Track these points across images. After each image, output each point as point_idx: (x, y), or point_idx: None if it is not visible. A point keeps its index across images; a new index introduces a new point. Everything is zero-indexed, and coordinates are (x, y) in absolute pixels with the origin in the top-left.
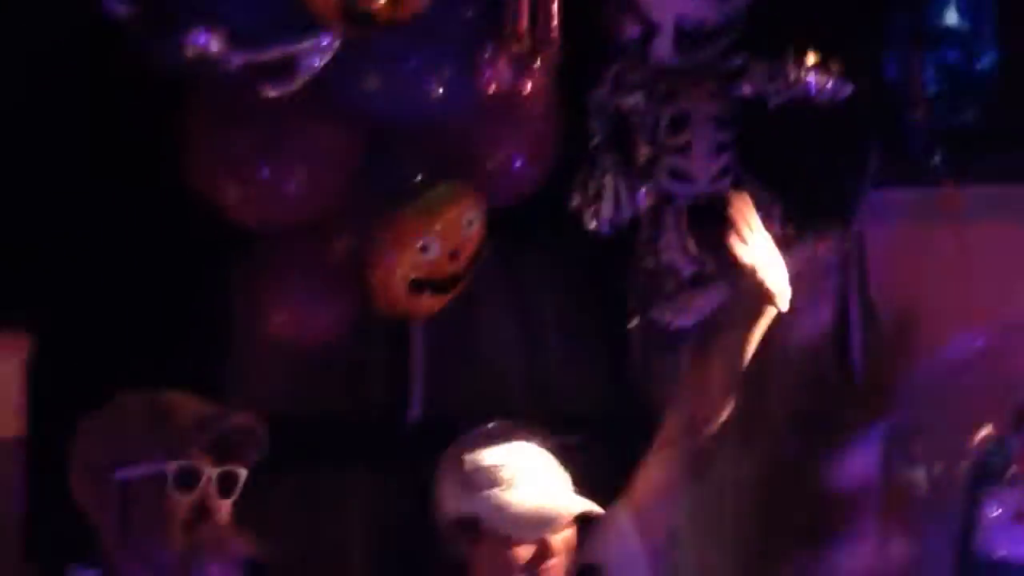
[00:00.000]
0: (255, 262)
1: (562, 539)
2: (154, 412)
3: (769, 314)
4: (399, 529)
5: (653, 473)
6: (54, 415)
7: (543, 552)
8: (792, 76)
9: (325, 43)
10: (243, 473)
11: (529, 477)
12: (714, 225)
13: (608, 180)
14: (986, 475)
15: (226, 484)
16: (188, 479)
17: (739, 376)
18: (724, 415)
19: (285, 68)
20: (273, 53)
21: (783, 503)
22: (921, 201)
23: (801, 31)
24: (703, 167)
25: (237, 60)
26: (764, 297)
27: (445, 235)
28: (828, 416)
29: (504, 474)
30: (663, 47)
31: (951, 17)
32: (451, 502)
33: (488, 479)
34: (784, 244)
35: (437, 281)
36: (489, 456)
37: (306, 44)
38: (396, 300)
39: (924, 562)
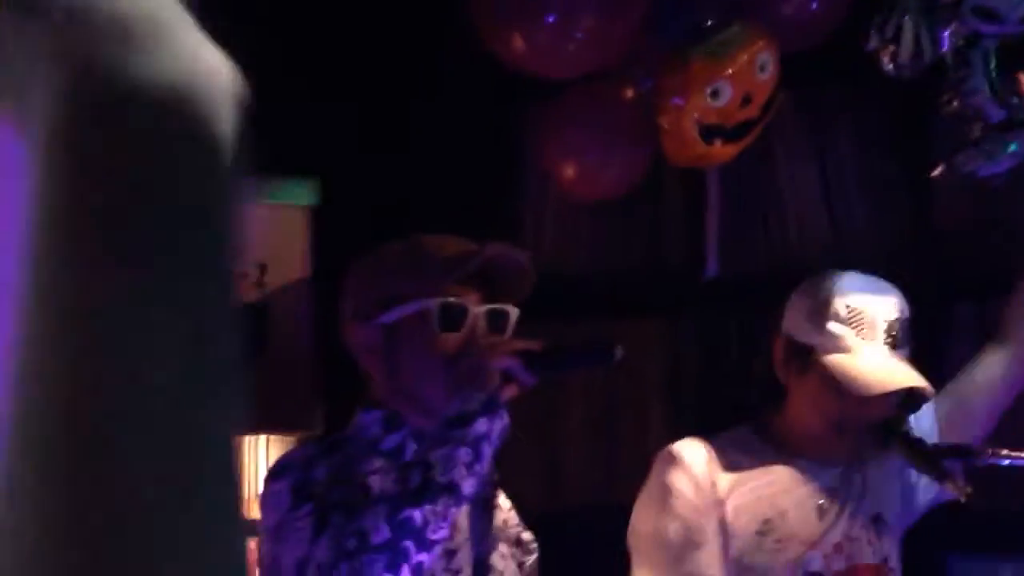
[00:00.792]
0: (545, 114)
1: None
2: (413, 252)
3: None
4: (693, 381)
5: None
6: (339, 261)
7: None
8: None
9: None
10: (513, 311)
11: (880, 335)
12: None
13: (907, 21)
14: None
15: (497, 322)
16: (453, 317)
17: None
18: None
19: None
20: None
21: None
22: None
23: None
24: (1012, 5)
25: None
26: None
27: (737, 80)
28: None
29: (858, 320)
30: None
31: None
32: (796, 325)
33: (841, 318)
34: None
35: (729, 128)
36: (853, 298)
37: None
38: (687, 148)
39: None
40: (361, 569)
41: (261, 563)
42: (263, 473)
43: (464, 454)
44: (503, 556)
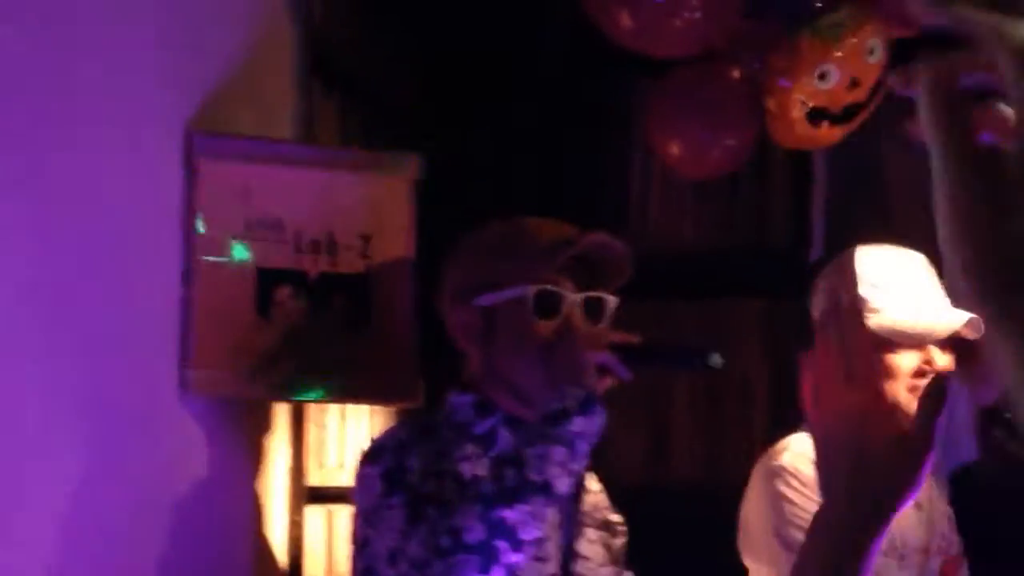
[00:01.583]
0: (652, 93)
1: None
2: (511, 236)
3: None
4: (795, 364)
5: None
6: (442, 235)
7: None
8: None
9: None
10: (611, 299)
11: (912, 288)
12: None
13: None
14: None
15: (594, 310)
16: (549, 304)
17: None
18: None
19: None
20: None
21: None
22: None
23: None
24: None
25: None
26: None
27: (845, 62)
28: None
29: (887, 276)
30: None
31: None
32: (824, 294)
33: (870, 276)
34: None
35: (836, 111)
36: (880, 255)
37: None
38: (793, 130)
39: None
40: (455, 568)
41: (354, 540)
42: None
43: (559, 453)
44: (591, 541)
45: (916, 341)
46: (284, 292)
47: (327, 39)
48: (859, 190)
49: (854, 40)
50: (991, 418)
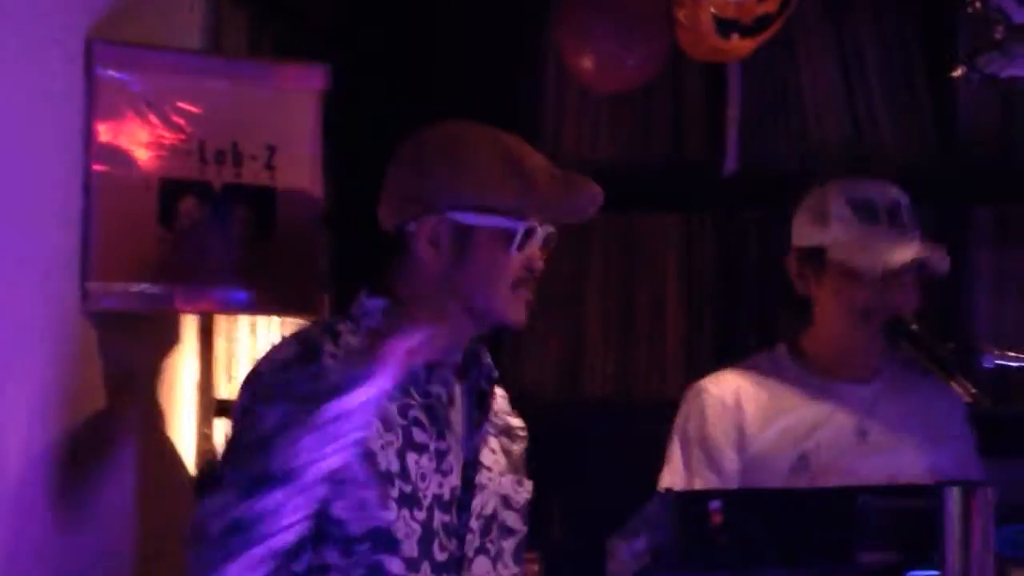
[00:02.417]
0: (564, 5)
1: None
2: (506, 157)
3: None
4: (710, 276)
5: None
6: (349, 146)
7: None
8: None
9: None
10: (553, 233)
11: (883, 218)
12: None
13: None
14: None
15: (552, 242)
16: (527, 238)
17: None
18: None
19: None
20: None
21: None
22: None
23: None
24: None
25: None
26: None
27: None
28: None
29: (859, 208)
30: None
31: None
32: (802, 234)
33: (843, 211)
34: None
35: (746, 22)
36: (850, 191)
37: None
38: (704, 42)
39: None
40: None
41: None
42: None
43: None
44: (493, 451)
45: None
46: (188, 203)
47: None
48: (773, 103)
49: None
50: (896, 330)
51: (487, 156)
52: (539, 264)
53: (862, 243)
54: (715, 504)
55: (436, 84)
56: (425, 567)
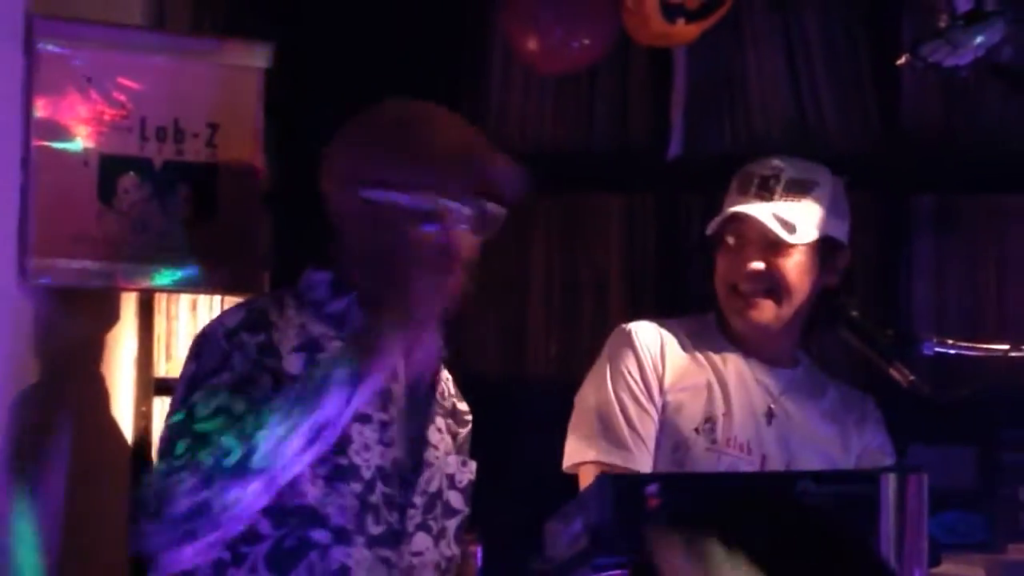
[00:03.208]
0: None
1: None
2: (420, 135)
3: None
4: (652, 258)
5: None
6: (292, 124)
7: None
8: None
9: None
10: (499, 212)
11: (752, 189)
12: None
13: None
14: None
15: (480, 223)
16: (442, 216)
17: None
18: None
19: None
20: None
21: None
22: None
23: None
24: None
25: None
26: None
27: None
28: None
29: (739, 182)
30: None
31: None
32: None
33: (731, 188)
34: None
35: (691, 7)
36: (750, 165)
37: None
38: (649, 26)
39: None
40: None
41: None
42: None
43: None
44: (439, 430)
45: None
46: (128, 180)
47: None
48: (718, 88)
49: None
50: (836, 316)
51: (391, 133)
52: (458, 245)
53: (721, 212)
54: (652, 488)
55: (381, 64)
56: (358, 539)
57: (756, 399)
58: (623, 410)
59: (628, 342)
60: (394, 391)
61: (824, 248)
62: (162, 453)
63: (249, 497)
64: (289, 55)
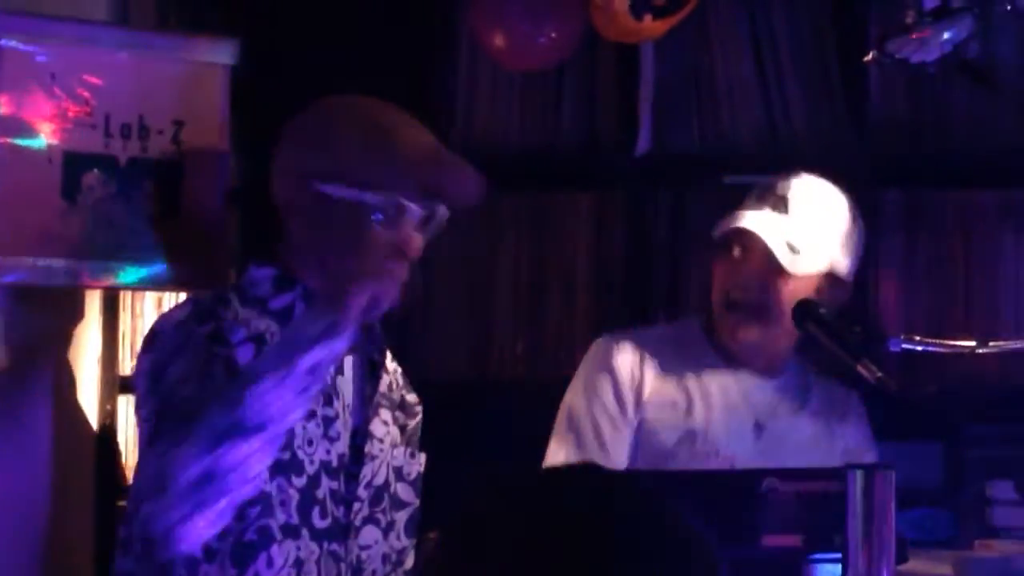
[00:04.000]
0: None
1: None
2: (378, 133)
3: None
4: (621, 257)
5: None
6: (257, 122)
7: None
8: None
9: None
10: (444, 215)
11: (753, 201)
12: None
13: None
14: None
15: (428, 222)
16: (394, 214)
17: None
18: None
19: None
20: None
21: None
22: None
23: None
24: None
25: None
26: None
27: None
28: None
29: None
30: None
31: None
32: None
33: (769, 197)
34: None
35: (659, 3)
36: (783, 181)
37: None
38: (616, 22)
39: None
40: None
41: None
42: None
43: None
44: (385, 423)
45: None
46: (93, 177)
47: None
48: (686, 85)
49: None
50: (804, 314)
51: (353, 129)
52: (412, 244)
53: (732, 217)
54: None
55: (348, 60)
56: (304, 533)
57: (743, 412)
58: (596, 428)
59: (604, 362)
60: (339, 385)
61: (825, 280)
62: (150, 439)
63: (254, 455)
64: (255, 51)
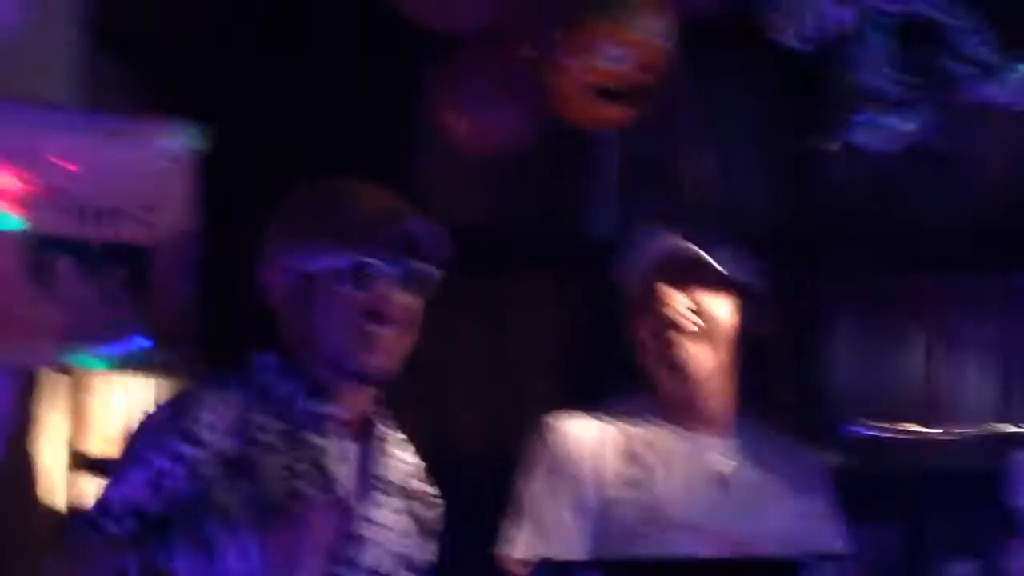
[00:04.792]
0: (439, 69)
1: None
2: (333, 202)
3: None
4: (585, 339)
5: None
6: (230, 208)
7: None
8: None
9: None
10: (430, 271)
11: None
12: (920, 45)
13: None
14: None
15: (409, 282)
16: (365, 275)
17: None
18: None
19: None
20: None
21: None
22: None
23: None
24: None
25: None
26: None
27: (633, 44)
28: None
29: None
30: None
31: None
32: (632, 279)
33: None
34: None
35: (623, 91)
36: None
37: None
38: (580, 109)
39: None
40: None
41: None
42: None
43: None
44: (396, 511)
45: None
46: (65, 261)
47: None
48: (647, 170)
49: (642, 22)
50: (767, 401)
51: (318, 204)
52: (389, 302)
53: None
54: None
55: (312, 144)
56: None
57: (703, 475)
58: (556, 514)
59: (562, 444)
60: (337, 473)
61: (742, 298)
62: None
63: None
64: (224, 136)
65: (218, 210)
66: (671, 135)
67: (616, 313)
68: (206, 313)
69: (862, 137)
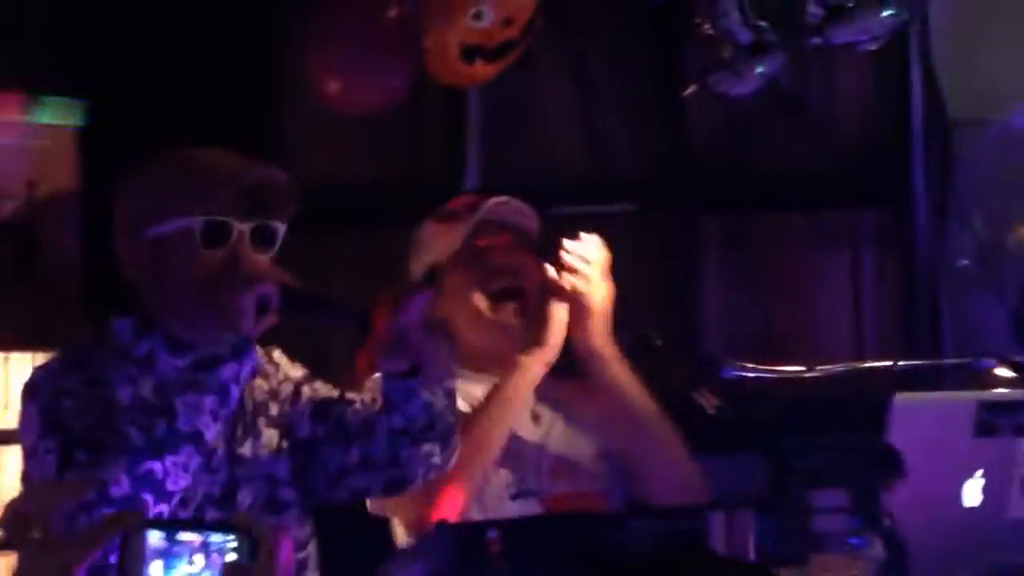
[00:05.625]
0: (309, 28)
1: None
2: (185, 167)
3: None
4: None
5: None
6: (105, 175)
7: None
8: None
9: None
10: (280, 227)
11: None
12: None
13: None
14: None
15: (263, 239)
16: (216, 234)
17: None
18: None
19: None
20: None
21: None
22: None
23: None
24: None
25: None
26: None
27: (498, 2)
28: None
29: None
30: None
31: None
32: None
33: None
34: None
35: (490, 48)
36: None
37: None
38: (449, 68)
39: None
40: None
41: (22, 481)
42: None
43: (210, 401)
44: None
45: None
46: None
47: None
48: (514, 122)
49: None
50: (640, 344)
51: (167, 169)
52: (248, 264)
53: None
54: (492, 533)
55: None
56: None
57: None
58: None
59: None
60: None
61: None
62: (60, 468)
63: (182, 462)
64: (101, 111)
65: (97, 183)
66: (536, 87)
67: None
68: (90, 286)
69: (722, 83)
